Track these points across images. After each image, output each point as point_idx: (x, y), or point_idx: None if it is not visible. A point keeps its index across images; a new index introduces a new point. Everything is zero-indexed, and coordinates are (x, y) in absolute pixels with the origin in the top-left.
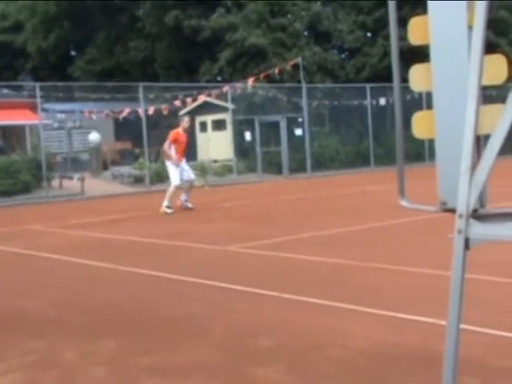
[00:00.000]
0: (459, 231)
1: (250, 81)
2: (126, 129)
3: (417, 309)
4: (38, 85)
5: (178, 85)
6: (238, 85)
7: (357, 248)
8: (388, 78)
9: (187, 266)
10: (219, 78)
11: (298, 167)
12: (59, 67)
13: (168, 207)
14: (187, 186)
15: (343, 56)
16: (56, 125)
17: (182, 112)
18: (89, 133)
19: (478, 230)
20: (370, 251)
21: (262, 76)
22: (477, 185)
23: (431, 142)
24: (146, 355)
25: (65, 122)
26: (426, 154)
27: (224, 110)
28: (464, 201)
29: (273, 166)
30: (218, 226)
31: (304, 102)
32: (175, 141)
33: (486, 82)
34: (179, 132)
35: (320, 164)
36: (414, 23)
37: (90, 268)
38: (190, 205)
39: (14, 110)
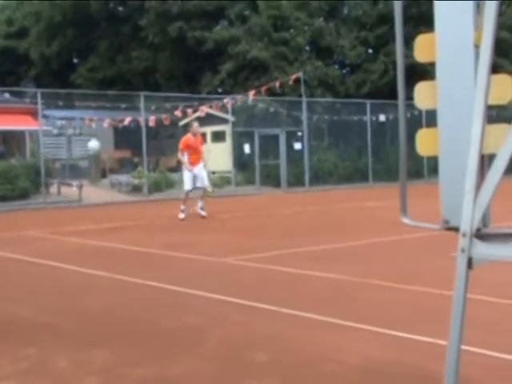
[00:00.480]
0: (462, 250)
1: (251, 93)
2: (125, 137)
3: (416, 327)
4: (39, 91)
5: (178, 95)
6: (239, 97)
7: (356, 264)
8: (388, 94)
9: (183, 277)
10: (220, 90)
11: (296, 181)
12: (61, 74)
13: (183, 211)
14: (201, 193)
15: (344, 71)
16: (56, 131)
17: (181, 123)
18: (88, 140)
19: (481, 249)
20: (370, 267)
21: (263, 89)
22: (481, 205)
23: (430, 159)
24: (139, 366)
25: (65, 129)
26: (424, 171)
27: (224, 121)
28: (468, 220)
29: (271, 178)
30: (215, 237)
31: (304, 116)
32: (186, 147)
33: (491, 101)
34: (189, 137)
35: (318, 178)
36: (420, 41)
37: (85, 275)
38: (203, 213)
39: (14, 115)
